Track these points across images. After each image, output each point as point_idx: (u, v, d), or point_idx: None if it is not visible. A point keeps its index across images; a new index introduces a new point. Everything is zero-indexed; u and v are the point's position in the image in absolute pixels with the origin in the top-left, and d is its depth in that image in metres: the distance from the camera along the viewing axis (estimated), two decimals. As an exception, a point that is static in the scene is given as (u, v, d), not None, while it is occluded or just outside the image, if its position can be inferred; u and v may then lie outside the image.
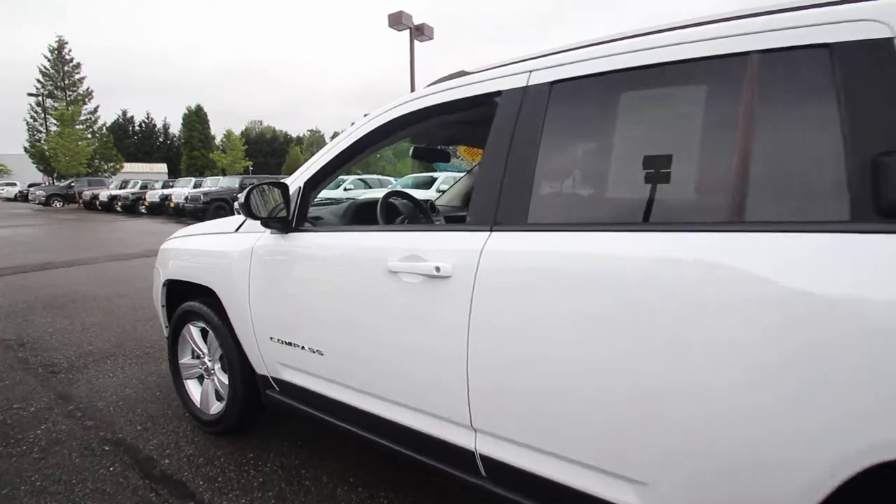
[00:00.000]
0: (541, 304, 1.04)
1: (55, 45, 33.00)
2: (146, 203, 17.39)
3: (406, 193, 2.17)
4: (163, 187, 19.19)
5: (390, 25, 14.71)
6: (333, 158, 1.58)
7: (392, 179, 15.48)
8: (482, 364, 1.14)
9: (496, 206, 1.16)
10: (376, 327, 1.36)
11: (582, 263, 1.00)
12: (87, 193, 21.45)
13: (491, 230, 1.16)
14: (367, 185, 13.76)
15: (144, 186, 19.98)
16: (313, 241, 1.56)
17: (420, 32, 15.07)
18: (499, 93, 1.23)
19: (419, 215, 2.22)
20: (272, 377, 1.74)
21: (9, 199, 29.61)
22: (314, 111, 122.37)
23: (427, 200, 2.61)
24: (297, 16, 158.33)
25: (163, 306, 2.25)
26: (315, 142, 65.74)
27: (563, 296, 1.01)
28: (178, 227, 2.38)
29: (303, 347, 1.57)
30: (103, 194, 20.12)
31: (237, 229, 1.84)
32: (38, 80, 32.64)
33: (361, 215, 2.02)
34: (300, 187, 1.62)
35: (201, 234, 2.06)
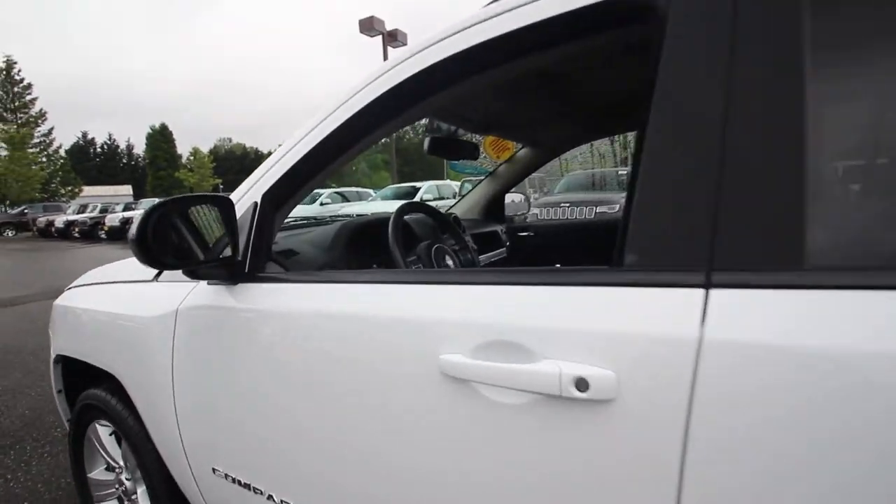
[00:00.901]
0: None
1: (3, 65, 31.10)
2: (106, 228, 16.23)
3: (423, 205, 1.48)
4: (124, 209, 18.03)
5: (362, 31, 14.09)
6: (313, 151, 0.88)
7: (371, 191, 14.75)
8: None
9: (710, 232, 0.49)
10: (430, 477, 0.66)
11: None
12: (42, 220, 19.99)
13: (707, 285, 0.48)
14: (345, 199, 12.99)
15: (104, 210, 18.75)
16: (286, 300, 0.86)
17: (393, 38, 14.50)
18: None
19: (447, 240, 1.53)
20: None
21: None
22: (285, 127, 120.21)
23: (450, 213, 1.93)
24: (266, 30, 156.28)
25: (59, 391, 1.50)
26: (288, 157, 63.93)
27: None
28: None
29: (270, 497, 0.85)
30: (59, 220, 18.76)
31: (157, 275, 1.11)
32: (-14, 103, 30.67)
33: (361, 245, 1.32)
34: (256, 203, 0.92)
35: (109, 281, 1.32)
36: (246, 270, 0.91)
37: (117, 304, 1.15)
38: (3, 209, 26.01)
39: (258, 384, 0.87)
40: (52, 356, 1.44)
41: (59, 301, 1.47)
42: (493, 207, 2.38)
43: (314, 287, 0.85)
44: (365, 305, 0.75)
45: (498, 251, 2.23)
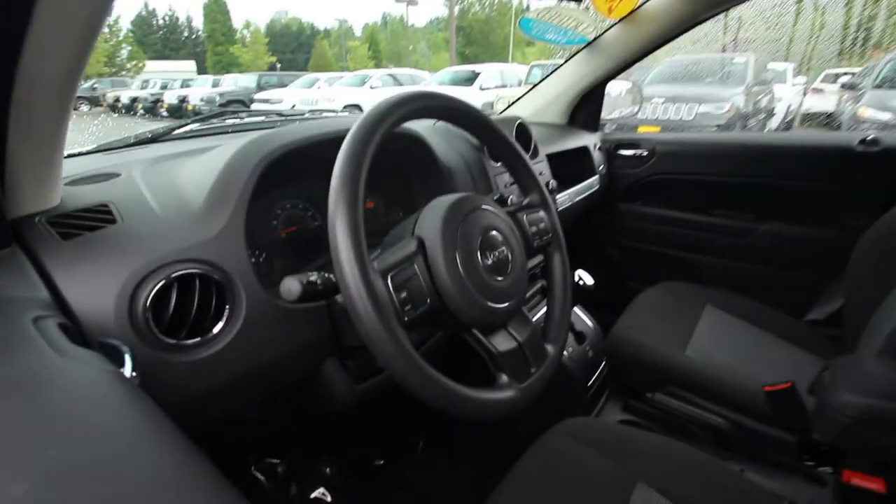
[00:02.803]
0: None
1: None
2: (164, 105, 16.24)
3: (435, 98, 0.62)
4: (182, 86, 18.00)
5: None
6: None
7: (425, 75, 13.25)
8: None
9: None
10: None
11: None
12: (111, 95, 20.36)
13: None
14: (398, 82, 11.71)
15: (164, 87, 18.77)
16: None
17: None
18: None
19: (495, 170, 0.75)
20: None
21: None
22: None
23: (517, 119, 1.09)
24: None
25: None
26: (344, 34, 60.16)
27: None
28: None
29: None
30: (124, 96, 19.02)
31: None
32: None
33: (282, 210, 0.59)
34: None
35: None
36: None
37: None
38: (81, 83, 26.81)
39: None
40: None
41: None
42: (585, 106, 1.48)
43: None
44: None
45: (587, 183, 1.39)
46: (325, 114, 1.04)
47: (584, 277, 0.92)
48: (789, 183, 1.34)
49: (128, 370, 0.40)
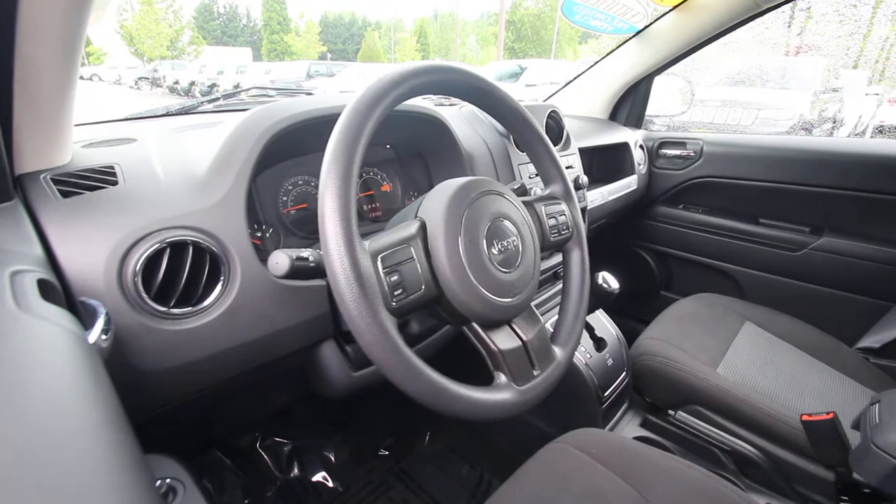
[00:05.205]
0: None
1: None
2: (220, 90, 16.98)
3: (453, 73, 0.56)
4: (236, 73, 18.82)
5: None
6: None
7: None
8: None
9: None
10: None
11: None
12: (171, 77, 21.49)
13: None
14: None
15: (220, 72, 19.67)
16: None
17: None
18: None
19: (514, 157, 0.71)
20: None
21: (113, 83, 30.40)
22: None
23: (550, 107, 1.04)
24: None
25: None
26: (394, 26, 60.59)
27: None
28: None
29: None
30: (183, 79, 20.02)
31: None
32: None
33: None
34: None
35: None
36: None
37: None
38: (143, 65, 28.51)
39: None
40: None
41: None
42: (629, 101, 1.39)
43: None
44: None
45: (623, 182, 1.31)
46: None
47: (609, 280, 0.86)
48: (855, 194, 1.21)
49: (95, 332, 0.39)
